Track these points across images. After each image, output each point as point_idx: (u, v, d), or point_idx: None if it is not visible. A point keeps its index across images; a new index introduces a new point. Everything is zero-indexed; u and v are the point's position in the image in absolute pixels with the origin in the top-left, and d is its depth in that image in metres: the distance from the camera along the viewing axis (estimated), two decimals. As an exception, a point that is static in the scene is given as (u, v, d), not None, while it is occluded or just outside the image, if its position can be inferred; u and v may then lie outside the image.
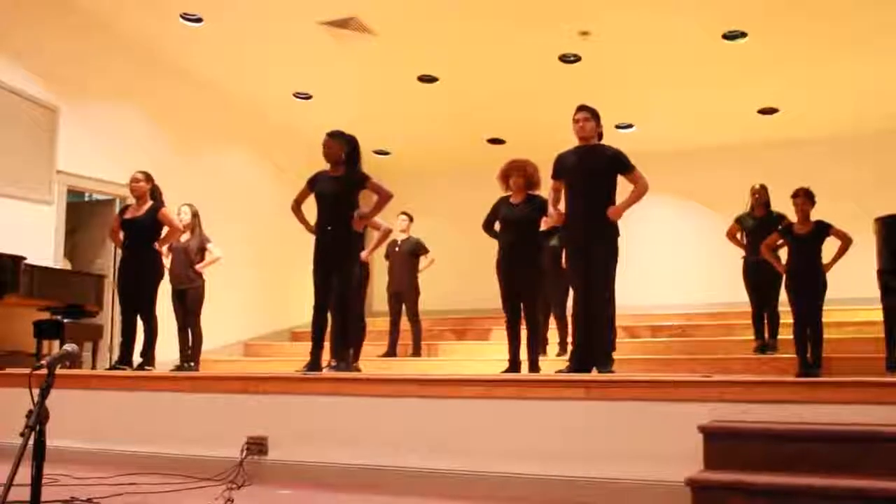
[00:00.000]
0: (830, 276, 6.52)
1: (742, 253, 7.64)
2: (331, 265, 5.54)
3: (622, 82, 9.11)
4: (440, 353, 8.91)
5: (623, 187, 5.27)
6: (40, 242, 7.46)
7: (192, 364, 7.22)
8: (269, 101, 10.24)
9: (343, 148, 5.60)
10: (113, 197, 8.29)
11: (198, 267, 7.29)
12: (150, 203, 6.42)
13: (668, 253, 10.97)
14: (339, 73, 9.33)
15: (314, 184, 5.66)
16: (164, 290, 6.84)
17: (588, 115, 5.30)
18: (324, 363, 5.55)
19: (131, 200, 6.73)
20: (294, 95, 10.00)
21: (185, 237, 7.19)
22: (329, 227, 5.53)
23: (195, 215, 7.44)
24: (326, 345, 5.60)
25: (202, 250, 7.41)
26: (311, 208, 5.78)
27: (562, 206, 5.46)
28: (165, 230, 6.48)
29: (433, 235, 9.24)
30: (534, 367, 5.76)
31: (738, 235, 7.66)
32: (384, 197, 5.64)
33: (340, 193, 5.54)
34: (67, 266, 8.09)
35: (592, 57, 8.62)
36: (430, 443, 4.13)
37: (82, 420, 4.86)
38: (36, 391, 2.69)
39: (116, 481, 4.27)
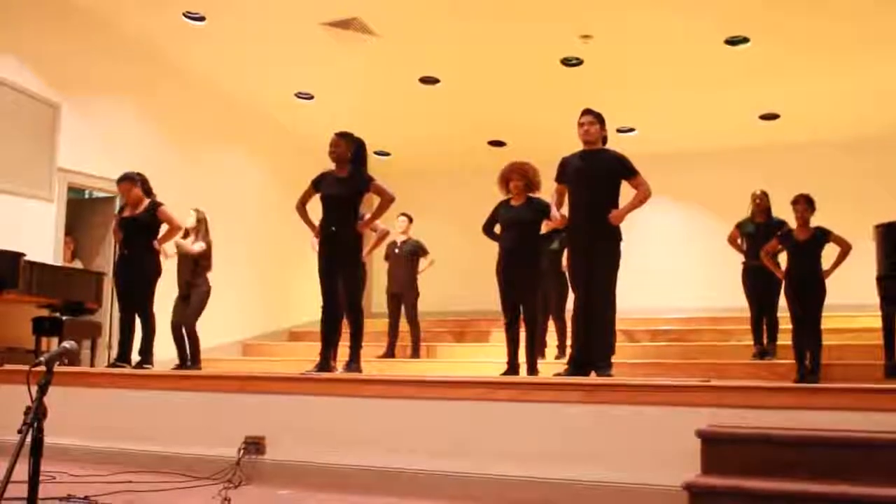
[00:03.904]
0: (830, 283, 6.53)
1: (742, 258, 7.64)
2: (336, 267, 5.54)
3: (624, 85, 9.11)
4: (439, 355, 8.90)
5: (626, 191, 5.28)
6: (40, 239, 7.46)
7: (195, 365, 7.18)
8: (270, 102, 10.25)
9: (350, 148, 5.60)
10: (113, 195, 8.27)
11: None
12: (147, 201, 6.40)
13: (668, 257, 10.96)
14: (341, 74, 9.33)
15: (319, 184, 5.66)
16: (164, 290, 6.81)
17: (593, 118, 5.30)
18: (334, 364, 5.56)
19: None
20: (295, 96, 10.00)
21: (189, 241, 7.13)
22: (333, 229, 5.53)
23: (200, 220, 7.28)
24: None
25: (205, 256, 7.28)
26: (314, 208, 5.79)
27: (565, 210, 5.47)
28: (164, 228, 6.46)
29: (433, 237, 9.23)
30: (532, 369, 5.76)
31: (739, 241, 7.67)
32: (387, 200, 5.63)
33: (345, 195, 5.54)
34: (79, 266, 8.09)
35: (594, 60, 8.63)
36: (428, 444, 4.13)
37: (80, 417, 4.85)
38: (34, 388, 2.69)
39: (113, 479, 4.26)
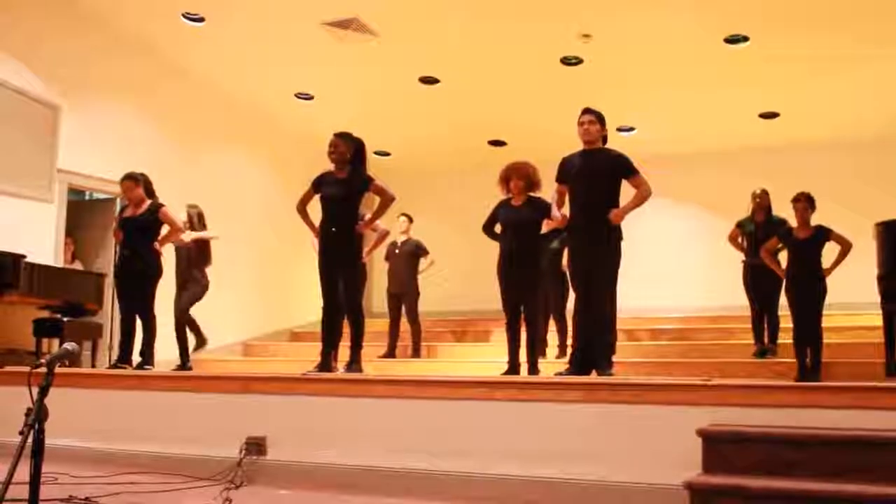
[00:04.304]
0: (830, 281, 6.53)
1: (742, 257, 7.64)
2: (336, 267, 5.54)
3: (623, 85, 9.11)
4: (440, 355, 8.90)
5: (627, 190, 5.28)
6: (40, 241, 7.46)
7: (200, 340, 7.19)
8: (270, 102, 10.25)
9: (349, 149, 5.59)
10: (113, 196, 8.29)
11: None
12: (148, 202, 6.41)
13: (668, 256, 10.97)
14: (341, 74, 9.33)
15: (319, 185, 5.65)
16: (166, 290, 6.82)
17: (594, 117, 5.29)
18: (335, 364, 5.56)
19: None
20: (295, 96, 10.00)
21: (186, 237, 7.13)
22: (333, 229, 5.53)
23: (198, 216, 7.29)
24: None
25: (203, 249, 7.30)
26: (314, 209, 5.79)
27: (565, 209, 5.47)
28: (166, 228, 6.46)
29: (433, 237, 9.24)
30: (533, 369, 5.76)
31: (739, 239, 7.67)
32: (387, 199, 5.62)
33: (345, 195, 5.53)
34: (79, 267, 8.09)
35: (594, 59, 8.63)
36: (429, 444, 4.13)
37: (81, 419, 4.85)
38: (35, 389, 2.69)
39: (115, 480, 4.27)
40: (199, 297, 7.20)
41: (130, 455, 4.76)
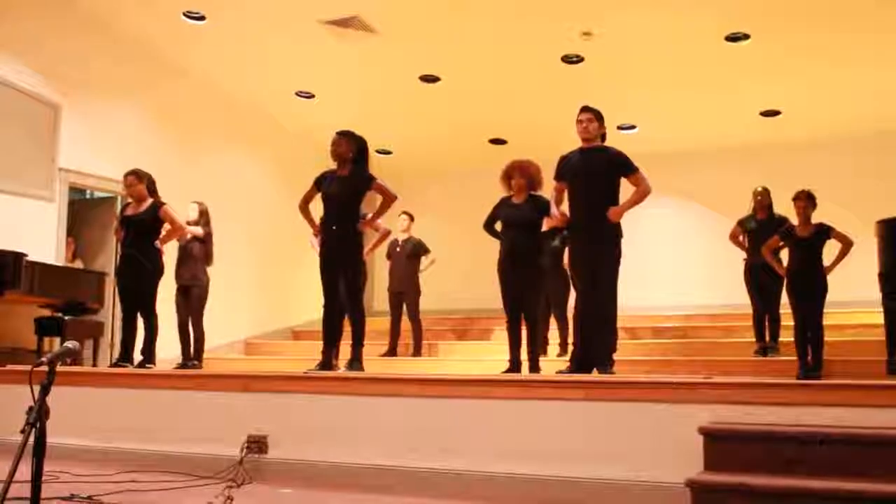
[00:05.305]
0: (831, 279, 6.53)
1: (744, 255, 7.64)
2: (337, 265, 5.54)
3: (624, 83, 9.11)
4: (441, 353, 8.90)
5: (626, 188, 5.28)
6: (41, 239, 7.46)
7: (196, 362, 7.21)
8: (270, 101, 10.24)
9: (351, 147, 5.59)
10: (114, 194, 8.30)
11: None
12: (149, 200, 6.41)
13: (669, 254, 10.97)
14: (341, 73, 9.33)
15: (321, 183, 5.65)
16: (166, 289, 6.83)
17: (592, 115, 5.29)
18: (336, 362, 5.56)
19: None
20: (296, 94, 10.00)
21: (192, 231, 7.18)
22: (334, 227, 5.52)
23: (202, 213, 7.40)
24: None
25: (208, 248, 7.33)
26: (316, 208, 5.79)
27: (564, 207, 5.47)
28: (166, 227, 6.47)
29: (434, 235, 9.24)
30: (534, 367, 5.76)
31: (741, 238, 7.66)
32: (389, 199, 5.62)
33: (346, 194, 5.53)
34: (80, 266, 8.11)
35: (595, 57, 8.62)
36: (430, 442, 4.13)
37: (83, 417, 4.86)
38: (37, 388, 2.69)
39: (117, 479, 4.26)
40: (206, 297, 7.26)
41: (132, 453, 4.76)
